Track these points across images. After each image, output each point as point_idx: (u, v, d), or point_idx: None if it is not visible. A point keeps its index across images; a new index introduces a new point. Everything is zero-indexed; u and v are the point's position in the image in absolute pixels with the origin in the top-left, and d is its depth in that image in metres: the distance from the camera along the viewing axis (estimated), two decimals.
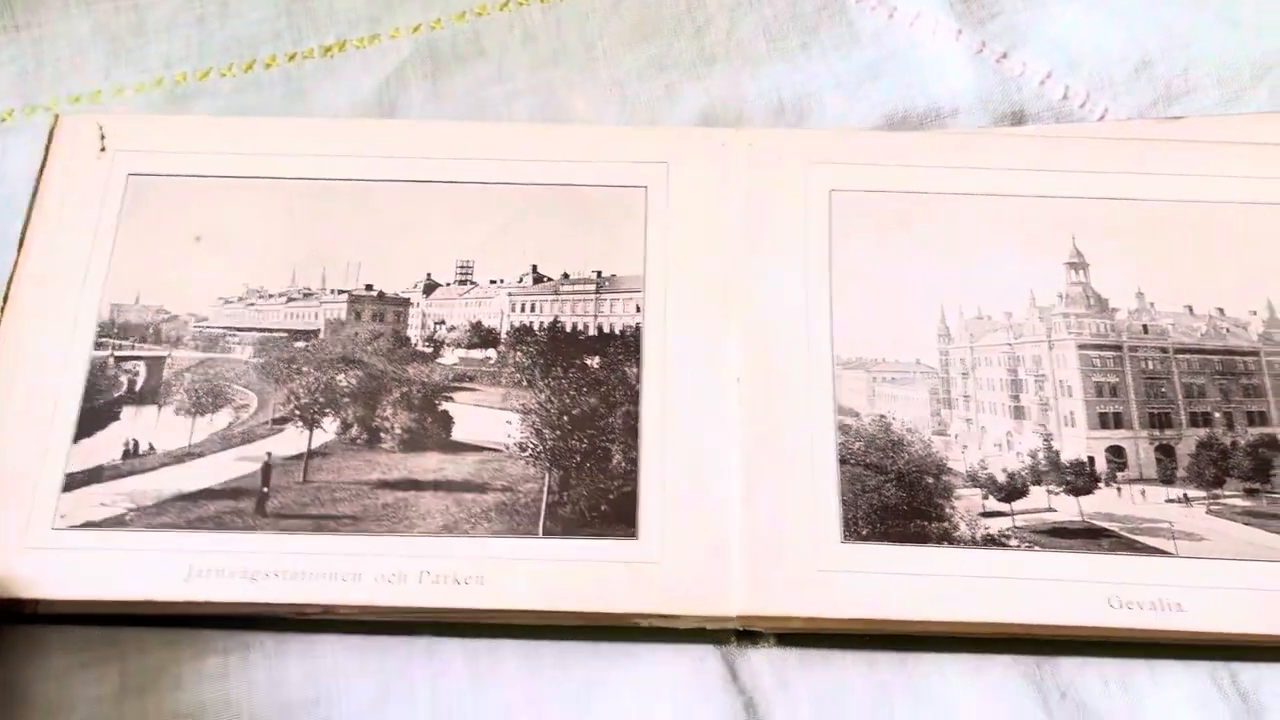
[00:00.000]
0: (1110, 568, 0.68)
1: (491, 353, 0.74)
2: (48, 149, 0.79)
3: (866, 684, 0.66)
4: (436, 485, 0.69)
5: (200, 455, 0.71)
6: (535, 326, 0.75)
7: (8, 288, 0.73)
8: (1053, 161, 0.79)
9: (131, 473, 0.69)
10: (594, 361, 0.73)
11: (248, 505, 0.69)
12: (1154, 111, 0.84)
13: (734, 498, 0.68)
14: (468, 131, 0.81)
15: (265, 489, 0.69)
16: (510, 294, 0.76)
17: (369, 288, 0.76)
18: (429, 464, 0.70)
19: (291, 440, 0.71)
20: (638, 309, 0.74)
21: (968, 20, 0.87)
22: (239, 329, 0.74)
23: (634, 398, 0.71)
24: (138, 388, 0.73)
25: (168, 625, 0.67)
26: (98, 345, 0.73)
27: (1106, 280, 0.77)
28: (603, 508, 0.68)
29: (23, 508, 0.68)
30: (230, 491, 0.69)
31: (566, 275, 0.76)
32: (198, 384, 0.73)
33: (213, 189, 0.77)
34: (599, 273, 0.76)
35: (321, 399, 0.72)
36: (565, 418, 0.71)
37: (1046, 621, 0.66)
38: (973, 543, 0.68)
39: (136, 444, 0.71)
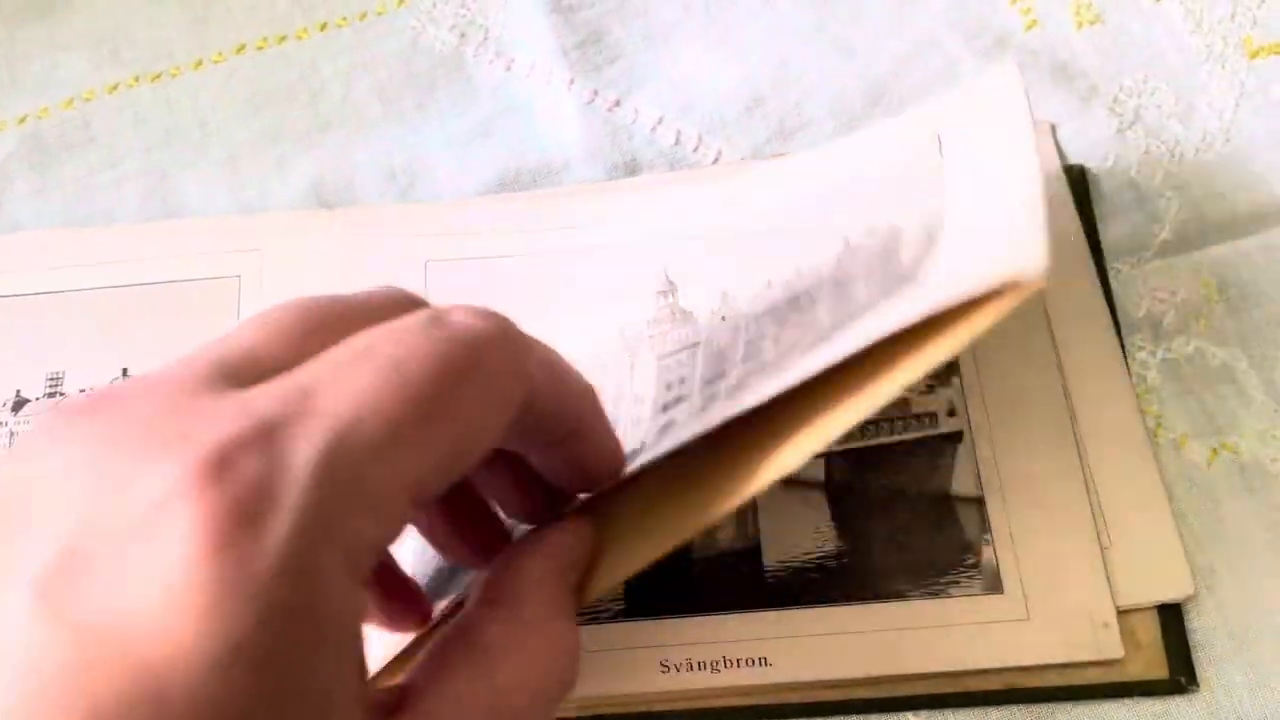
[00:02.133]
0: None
1: None
2: None
3: None
4: None
5: None
6: None
7: None
8: (648, 209, 0.80)
9: None
10: None
11: None
12: (768, 149, 0.85)
13: None
14: (60, 239, 0.80)
15: None
16: None
17: None
18: None
19: None
20: None
21: (582, 68, 0.87)
22: None
23: None
24: None
25: None
26: None
27: (695, 295, 0.77)
28: None
29: None
30: None
31: None
32: None
33: None
34: None
35: None
36: None
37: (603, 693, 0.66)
38: None
39: None
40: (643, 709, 0.67)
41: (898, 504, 0.72)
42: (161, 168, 0.84)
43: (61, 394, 0.75)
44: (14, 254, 0.79)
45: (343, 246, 0.77)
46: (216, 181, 0.84)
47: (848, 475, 0.75)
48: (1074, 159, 0.83)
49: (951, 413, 0.74)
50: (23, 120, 0.86)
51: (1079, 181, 0.82)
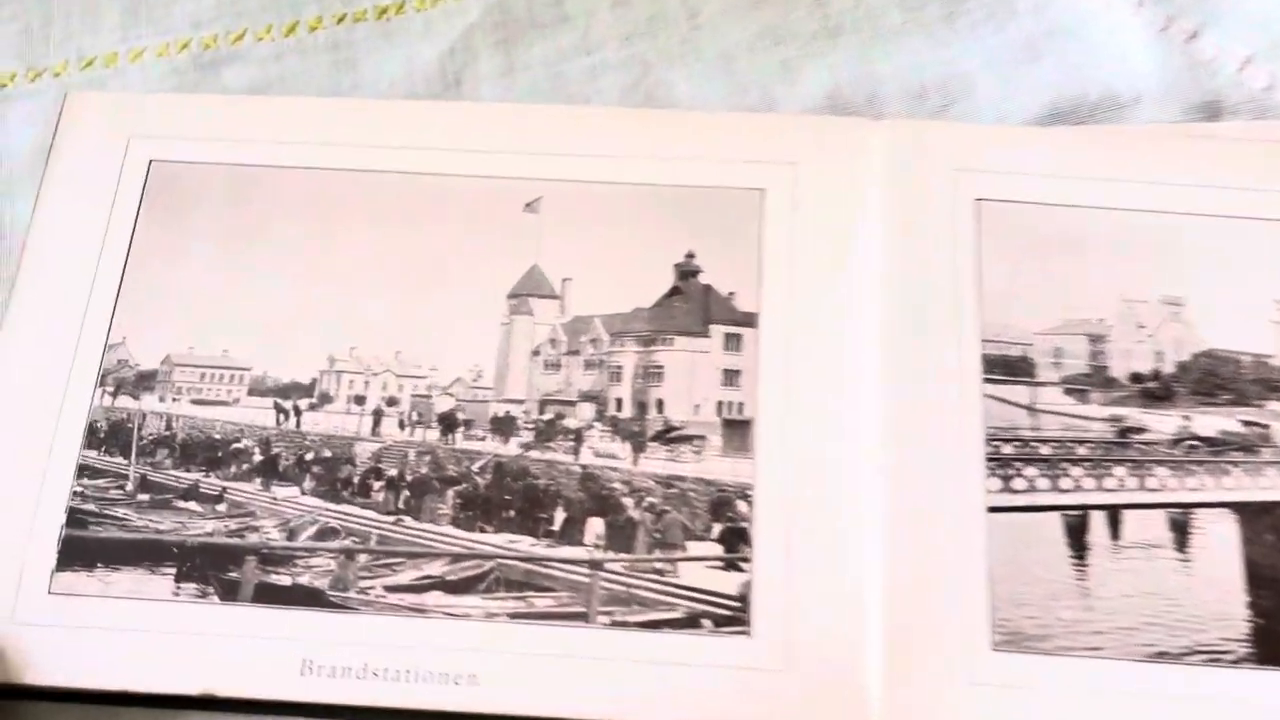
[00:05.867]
0: None
1: None
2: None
3: None
4: None
5: None
6: None
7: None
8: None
9: None
10: None
11: None
12: None
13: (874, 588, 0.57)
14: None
15: None
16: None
17: None
18: None
19: None
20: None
21: None
22: None
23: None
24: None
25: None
26: None
27: None
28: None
29: None
30: None
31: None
32: None
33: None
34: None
35: None
36: None
37: None
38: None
39: None
40: None
41: None
42: (644, 59, 0.73)
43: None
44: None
45: (886, 166, 0.65)
46: (710, 81, 0.72)
47: None
48: None
49: None
50: None
51: None
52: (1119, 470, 0.62)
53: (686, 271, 0.64)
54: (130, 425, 0.62)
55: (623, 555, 0.59)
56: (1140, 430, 0.63)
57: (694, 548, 0.59)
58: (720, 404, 0.62)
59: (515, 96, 0.72)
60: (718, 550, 0.59)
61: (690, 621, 0.57)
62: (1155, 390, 0.63)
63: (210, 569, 0.58)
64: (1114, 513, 0.61)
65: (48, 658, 0.56)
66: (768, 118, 0.70)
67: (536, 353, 0.64)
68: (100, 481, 0.60)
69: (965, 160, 0.66)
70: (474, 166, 0.66)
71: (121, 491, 0.61)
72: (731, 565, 0.58)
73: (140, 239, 0.64)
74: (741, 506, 0.59)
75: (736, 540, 0.59)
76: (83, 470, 0.59)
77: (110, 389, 0.62)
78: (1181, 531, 0.60)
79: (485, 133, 0.67)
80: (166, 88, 0.73)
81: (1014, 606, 0.57)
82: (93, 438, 0.60)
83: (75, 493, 0.59)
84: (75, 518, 0.59)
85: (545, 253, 0.65)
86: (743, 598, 0.57)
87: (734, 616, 0.57)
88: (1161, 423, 0.63)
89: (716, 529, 0.59)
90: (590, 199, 0.65)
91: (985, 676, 0.56)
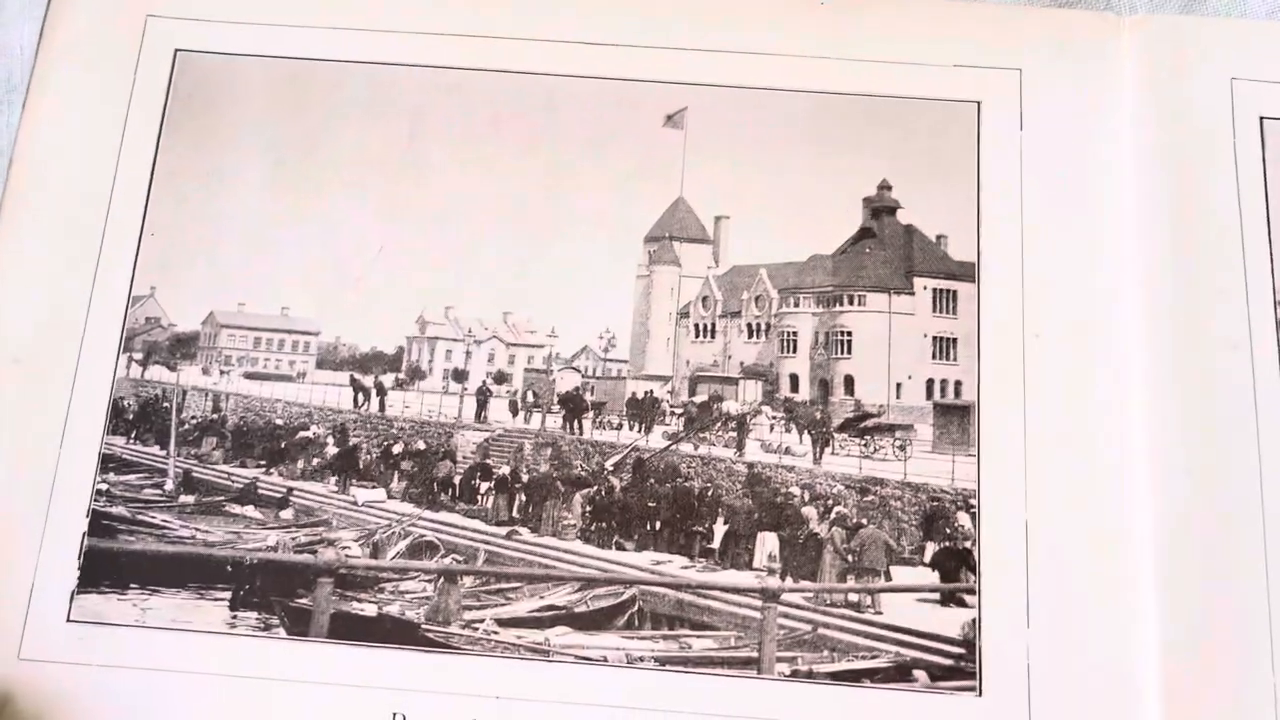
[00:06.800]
0: None
1: None
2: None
3: None
4: None
5: None
6: None
7: None
8: None
9: None
10: None
11: None
12: None
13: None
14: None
15: None
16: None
17: None
18: None
19: None
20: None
21: None
22: None
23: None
24: None
25: None
26: None
27: None
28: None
29: None
30: None
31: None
32: None
33: None
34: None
35: None
36: None
37: None
38: None
39: None
40: None
41: None
42: None
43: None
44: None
45: (1139, 73, 0.51)
46: None
47: None
48: None
49: None
50: None
51: None
52: None
53: (880, 208, 0.51)
54: (166, 405, 0.51)
55: (805, 583, 0.49)
56: None
57: (900, 574, 0.50)
58: (930, 383, 0.49)
59: None
60: (932, 578, 0.49)
61: (898, 673, 0.48)
62: None
63: (274, 593, 0.48)
64: None
65: (66, 706, 0.45)
66: (984, 8, 0.55)
67: (684, 314, 0.51)
68: (131, 477, 0.51)
69: (1244, 66, 0.53)
70: (597, 64, 0.52)
71: (159, 491, 0.51)
72: (951, 598, 0.48)
73: (167, 156, 0.52)
74: (962, 520, 0.48)
75: (957, 565, 0.49)
76: (108, 462, 0.49)
77: (138, 356, 0.50)
78: None
79: (610, 19, 0.53)
80: None
81: None
82: (119, 420, 0.50)
83: (99, 491, 0.49)
84: (100, 524, 0.49)
85: (692, 182, 0.52)
86: (968, 642, 0.47)
87: (957, 668, 0.47)
88: None
89: (929, 550, 0.50)
90: (751, 111, 0.52)
91: None
